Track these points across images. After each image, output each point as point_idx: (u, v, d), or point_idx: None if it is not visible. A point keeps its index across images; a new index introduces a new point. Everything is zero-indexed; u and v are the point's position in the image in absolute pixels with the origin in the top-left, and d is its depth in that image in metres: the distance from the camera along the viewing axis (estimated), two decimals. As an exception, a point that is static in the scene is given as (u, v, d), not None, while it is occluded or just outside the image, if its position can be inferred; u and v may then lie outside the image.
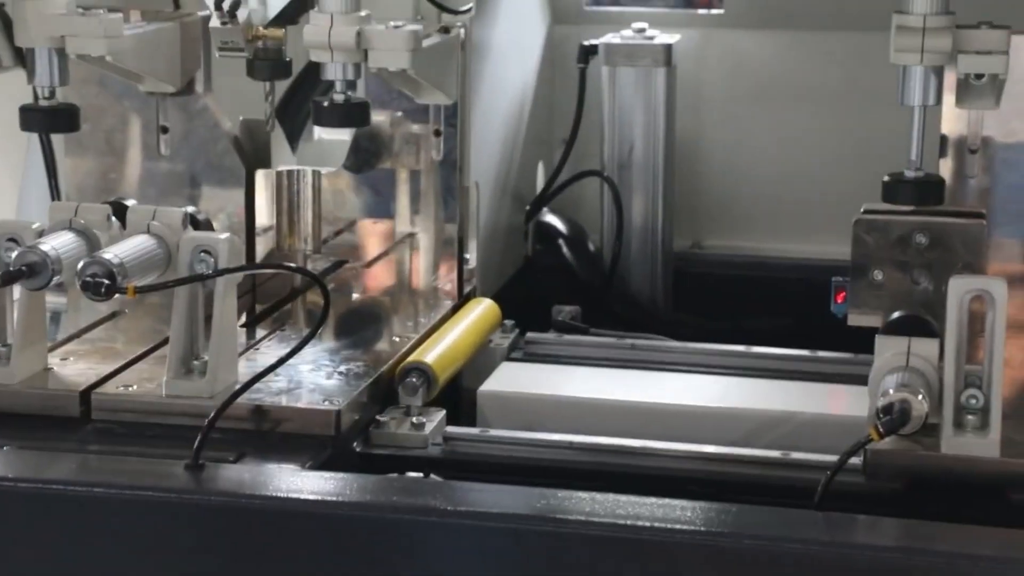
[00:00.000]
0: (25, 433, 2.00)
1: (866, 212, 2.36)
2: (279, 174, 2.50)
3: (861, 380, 2.28)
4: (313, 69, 2.48)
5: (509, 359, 2.44)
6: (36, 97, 2.22)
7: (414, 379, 2.13)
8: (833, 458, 1.90)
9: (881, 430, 1.81)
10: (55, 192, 2.58)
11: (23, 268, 1.97)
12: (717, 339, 2.57)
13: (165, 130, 2.48)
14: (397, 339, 2.30)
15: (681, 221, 3.01)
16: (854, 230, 2.34)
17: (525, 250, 2.95)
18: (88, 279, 1.92)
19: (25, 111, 2.24)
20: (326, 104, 2.21)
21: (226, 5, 2.24)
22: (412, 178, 2.51)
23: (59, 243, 2.02)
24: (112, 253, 1.97)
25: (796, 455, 1.98)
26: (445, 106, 2.45)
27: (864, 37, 2.91)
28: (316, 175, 2.51)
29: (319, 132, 2.67)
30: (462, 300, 2.50)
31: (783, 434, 2.14)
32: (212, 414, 1.90)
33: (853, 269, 2.34)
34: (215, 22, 2.29)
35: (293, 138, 2.62)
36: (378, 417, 2.10)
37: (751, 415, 2.18)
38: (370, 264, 2.56)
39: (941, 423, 1.87)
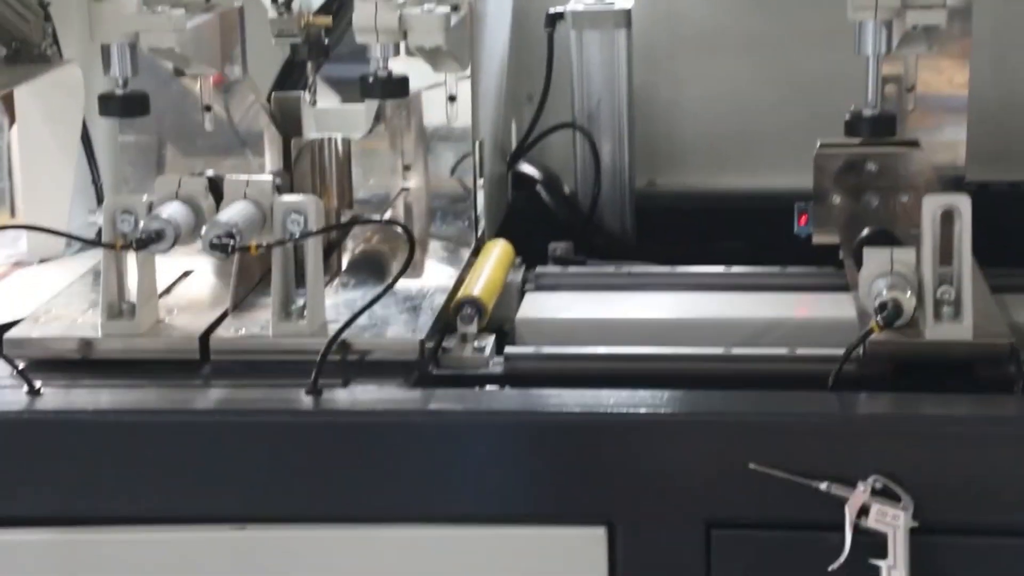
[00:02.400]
0: (158, 375, 2.35)
1: (822, 146, 2.80)
2: (312, 142, 2.86)
3: (828, 288, 2.74)
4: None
5: (523, 291, 2.83)
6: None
7: (469, 310, 2.52)
8: (829, 351, 2.34)
9: (881, 323, 2.24)
10: (96, 176, 2.95)
11: (153, 234, 2.33)
12: (684, 263, 2.99)
13: (208, 108, 2.83)
14: (442, 277, 2.67)
15: (637, 163, 3.41)
16: (816, 161, 2.77)
17: (507, 197, 3.34)
18: (215, 240, 2.29)
19: (104, 99, 2.58)
20: (371, 79, 2.59)
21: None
22: (429, 138, 2.88)
23: (174, 212, 2.37)
24: (227, 217, 2.33)
25: (801, 350, 2.40)
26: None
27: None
28: (346, 142, 2.87)
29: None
30: (478, 243, 2.88)
31: (779, 336, 2.54)
32: (325, 346, 2.28)
33: (815, 195, 2.77)
34: (272, 13, 2.63)
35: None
36: (443, 344, 2.48)
37: (751, 323, 2.58)
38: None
39: (922, 316, 2.30)
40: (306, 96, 2.77)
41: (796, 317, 2.60)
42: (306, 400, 2.24)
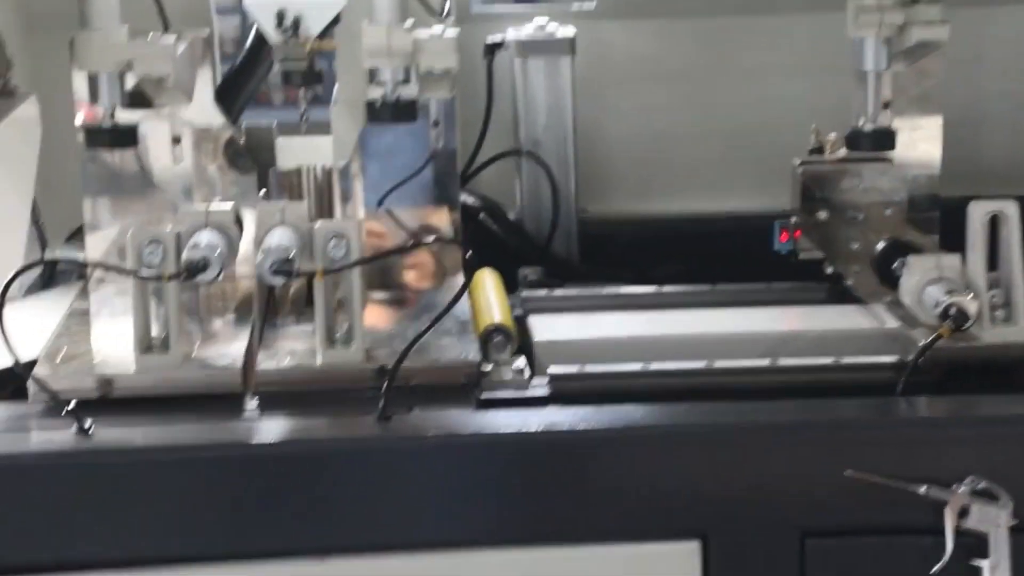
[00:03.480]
0: (201, 409, 2.24)
1: (803, 163, 2.84)
2: (287, 172, 2.78)
3: (814, 301, 2.77)
4: (249, 57, 2.81)
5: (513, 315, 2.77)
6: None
7: (501, 337, 2.47)
8: (873, 359, 2.38)
9: (952, 327, 2.27)
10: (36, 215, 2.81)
11: (200, 263, 2.22)
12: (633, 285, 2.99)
13: (177, 140, 2.72)
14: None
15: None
16: (802, 178, 2.82)
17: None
18: (278, 267, 2.19)
19: (91, 131, 2.47)
20: (379, 104, 2.53)
21: (288, 22, 2.51)
22: (409, 167, 2.81)
23: (213, 240, 2.27)
24: (277, 242, 2.24)
25: (847, 359, 2.41)
26: (444, 100, 2.77)
27: (709, 21, 3.41)
28: (323, 170, 2.80)
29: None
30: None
31: (799, 347, 2.54)
32: (391, 371, 2.21)
33: (803, 211, 2.81)
34: (276, 39, 2.54)
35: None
36: (482, 368, 2.41)
37: (767, 336, 2.58)
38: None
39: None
40: (302, 125, 2.68)
41: (813, 329, 2.61)
42: (375, 425, 2.16)
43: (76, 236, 3.13)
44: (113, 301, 2.59)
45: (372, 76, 2.54)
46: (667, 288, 2.90)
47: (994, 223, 2.36)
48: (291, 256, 2.21)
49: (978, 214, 2.34)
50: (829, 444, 2.14)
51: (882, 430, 2.15)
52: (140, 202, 2.70)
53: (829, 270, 2.84)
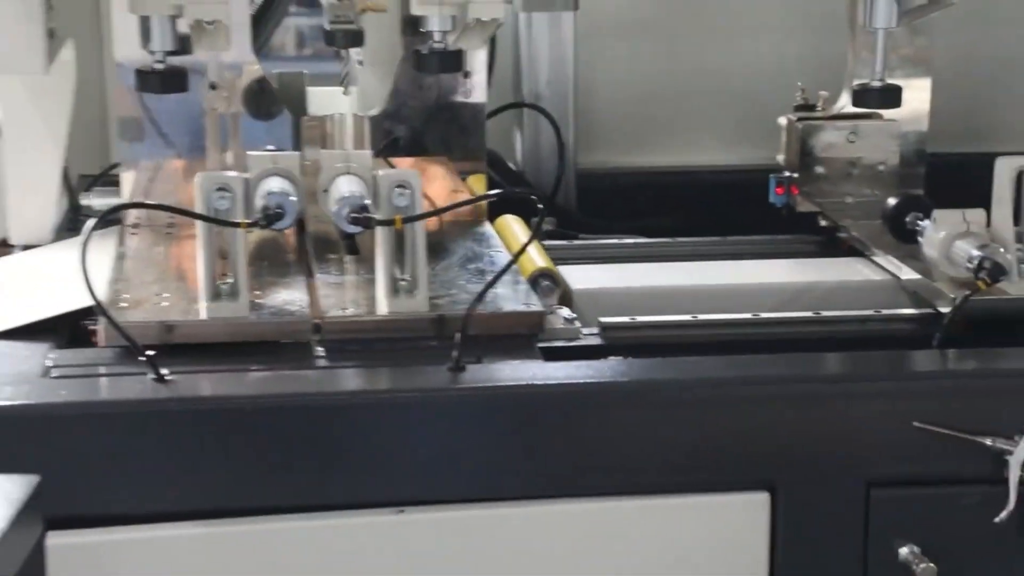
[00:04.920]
0: (272, 359, 2.25)
1: (800, 119, 2.91)
2: (323, 119, 2.79)
3: (812, 254, 2.91)
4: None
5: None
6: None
7: (548, 283, 2.52)
8: (907, 311, 2.48)
9: (988, 281, 2.35)
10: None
11: (277, 210, 2.23)
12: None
13: (214, 87, 2.73)
14: (498, 252, 2.65)
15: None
16: (801, 134, 2.90)
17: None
18: (356, 216, 2.21)
19: (142, 74, 2.46)
20: (426, 52, 2.54)
21: (340, -18, 2.53)
22: (439, 115, 2.83)
23: (285, 187, 2.28)
24: (346, 191, 2.26)
25: (886, 311, 2.50)
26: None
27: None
28: (356, 118, 2.81)
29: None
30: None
31: (815, 298, 2.62)
32: (463, 321, 2.23)
33: (801, 166, 2.90)
34: (328, -1, 2.56)
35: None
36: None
37: (788, 287, 2.67)
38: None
39: (1004, 273, 2.42)
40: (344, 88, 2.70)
41: (829, 281, 2.69)
42: (449, 376, 2.18)
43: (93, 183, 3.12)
44: (151, 248, 2.60)
45: (410, 25, 2.56)
46: (682, 239, 2.96)
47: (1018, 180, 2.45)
48: (367, 203, 2.23)
49: (1006, 169, 2.43)
50: (895, 396, 2.21)
51: (947, 381, 2.22)
52: (164, 149, 2.72)
53: (823, 223, 2.92)
